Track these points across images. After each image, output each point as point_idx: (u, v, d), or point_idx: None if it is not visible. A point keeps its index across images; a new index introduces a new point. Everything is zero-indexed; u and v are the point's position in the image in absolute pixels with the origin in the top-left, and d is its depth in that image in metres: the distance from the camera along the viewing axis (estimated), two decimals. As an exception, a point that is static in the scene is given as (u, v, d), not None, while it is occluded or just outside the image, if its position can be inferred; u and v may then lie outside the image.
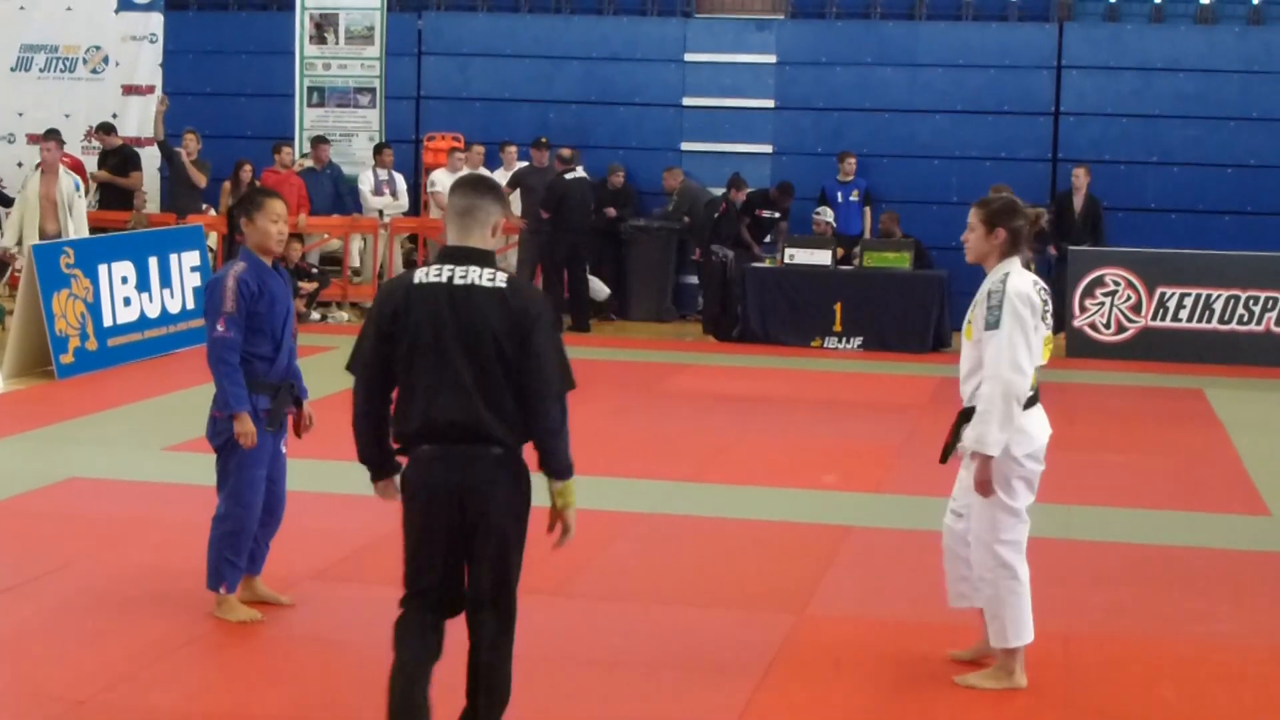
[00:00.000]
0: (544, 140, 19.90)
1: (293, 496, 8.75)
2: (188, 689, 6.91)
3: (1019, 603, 6.91)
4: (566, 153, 19.49)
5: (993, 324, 6.75)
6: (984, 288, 6.93)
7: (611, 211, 19.98)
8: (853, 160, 20.22)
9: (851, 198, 20.16)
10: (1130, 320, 18.17)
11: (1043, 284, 6.97)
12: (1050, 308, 6.93)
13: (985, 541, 6.91)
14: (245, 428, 7.53)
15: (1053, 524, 10.15)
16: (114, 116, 21.05)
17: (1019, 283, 6.79)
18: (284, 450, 7.88)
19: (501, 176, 20.24)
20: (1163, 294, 18.10)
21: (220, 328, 7.44)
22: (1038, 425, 6.93)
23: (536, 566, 8.72)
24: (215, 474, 7.77)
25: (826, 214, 19.54)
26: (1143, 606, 8.50)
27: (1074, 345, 18.27)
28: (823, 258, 18.54)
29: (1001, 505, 6.88)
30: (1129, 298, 18.15)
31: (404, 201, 20.54)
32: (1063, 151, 20.54)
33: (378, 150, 20.60)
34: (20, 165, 20.81)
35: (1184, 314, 18.05)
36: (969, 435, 6.84)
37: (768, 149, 21.23)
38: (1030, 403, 6.85)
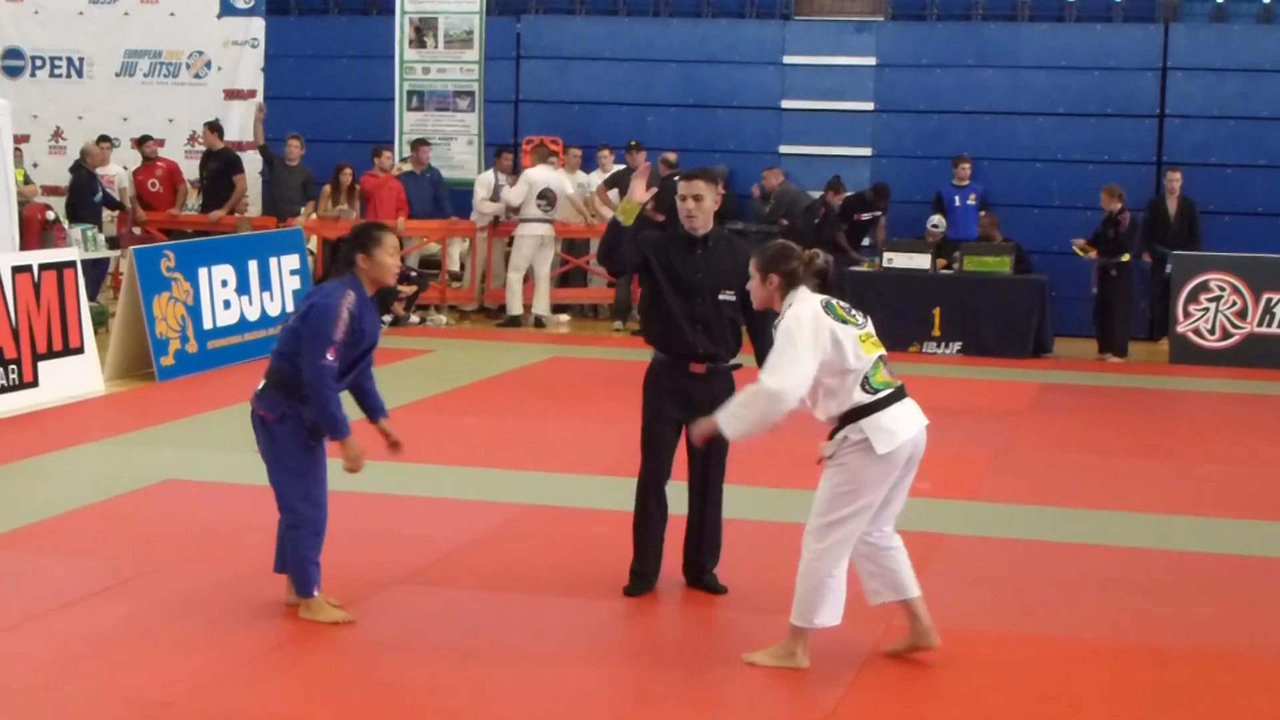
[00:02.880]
0: (635, 144, 19.84)
1: (381, 500, 8.81)
2: (274, 692, 6.94)
3: (828, 590, 7.08)
4: (671, 156, 19.48)
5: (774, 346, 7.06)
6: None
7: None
8: (968, 164, 20.04)
9: (969, 201, 19.97)
10: (1235, 326, 17.92)
11: (835, 299, 7.17)
12: (858, 313, 7.14)
13: (811, 526, 7.09)
14: (353, 451, 7.59)
15: (1147, 534, 10.05)
16: (217, 120, 21.20)
17: (797, 310, 7.02)
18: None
19: (599, 179, 20.28)
20: (1269, 300, 17.84)
21: (330, 356, 7.48)
22: (902, 422, 7.06)
23: (617, 573, 8.75)
24: (272, 488, 7.79)
25: (941, 224, 19.38)
26: (1236, 619, 8.35)
27: (1177, 351, 18.05)
28: (921, 262, 18.42)
29: (844, 494, 7.02)
30: (1234, 303, 17.91)
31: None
32: (1167, 155, 20.28)
33: (497, 154, 20.61)
34: (126, 168, 21.00)
35: (1291, 320, 17.81)
36: (722, 412, 7.16)
37: (867, 152, 21.12)
38: (891, 399, 7.03)
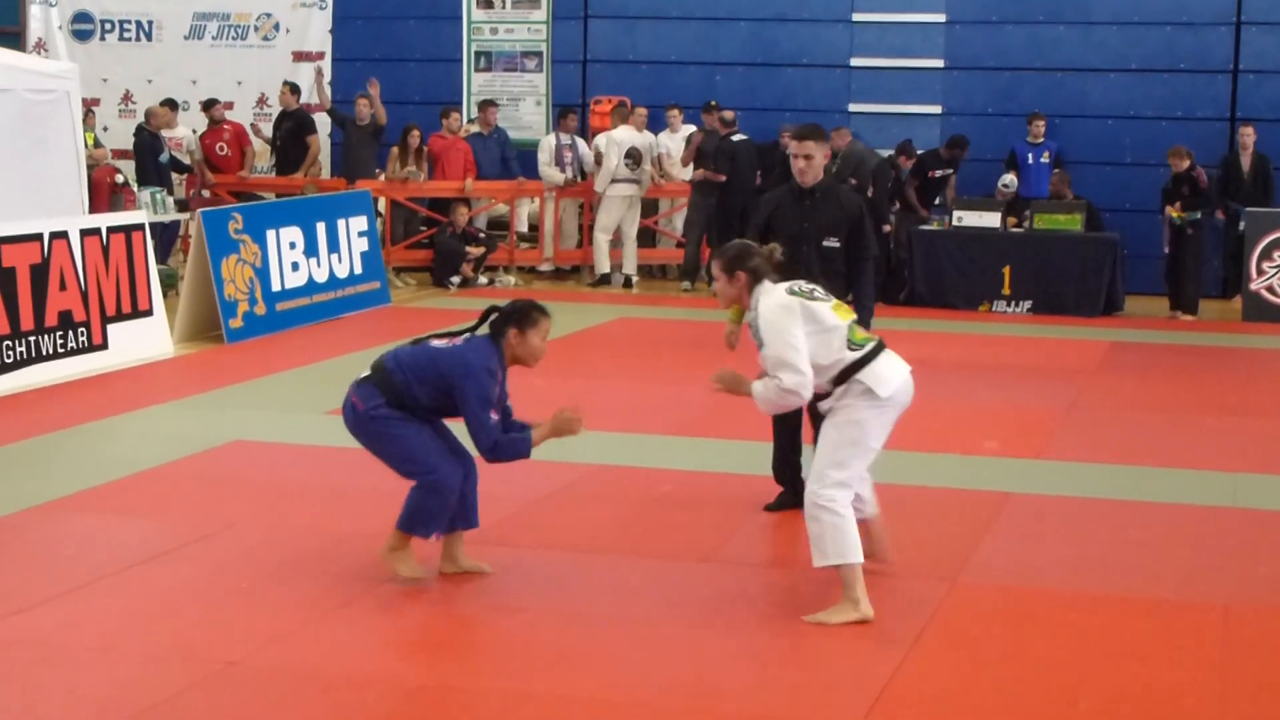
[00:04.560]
0: (714, 104, 19.75)
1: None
2: (338, 651, 6.96)
3: (850, 527, 7.34)
4: (729, 115, 19.38)
5: (761, 344, 7.43)
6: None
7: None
8: (1042, 122, 19.86)
9: (1042, 159, 19.80)
10: (1310, 284, 17.74)
11: (800, 283, 7.59)
12: (820, 290, 7.57)
13: (813, 490, 7.34)
14: (560, 426, 7.77)
15: (1218, 492, 9.95)
16: (285, 83, 21.26)
17: (768, 301, 7.44)
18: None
19: (668, 139, 20.20)
20: (1343, 256, 17.64)
21: (495, 416, 7.58)
22: (894, 368, 7.45)
23: (685, 534, 8.75)
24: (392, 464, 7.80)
25: (1012, 184, 19.21)
26: (1310, 577, 8.27)
27: (1250, 309, 17.88)
28: (991, 220, 18.30)
29: (852, 440, 7.36)
30: (1308, 261, 17.71)
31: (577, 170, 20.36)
32: (1241, 110, 20.03)
33: (562, 115, 20.57)
34: (195, 132, 21.10)
35: (1367, 277, 17.59)
36: (755, 386, 7.50)
37: (937, 110, 20.97)
38: (877, 351, 7.41)
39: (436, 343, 7.75)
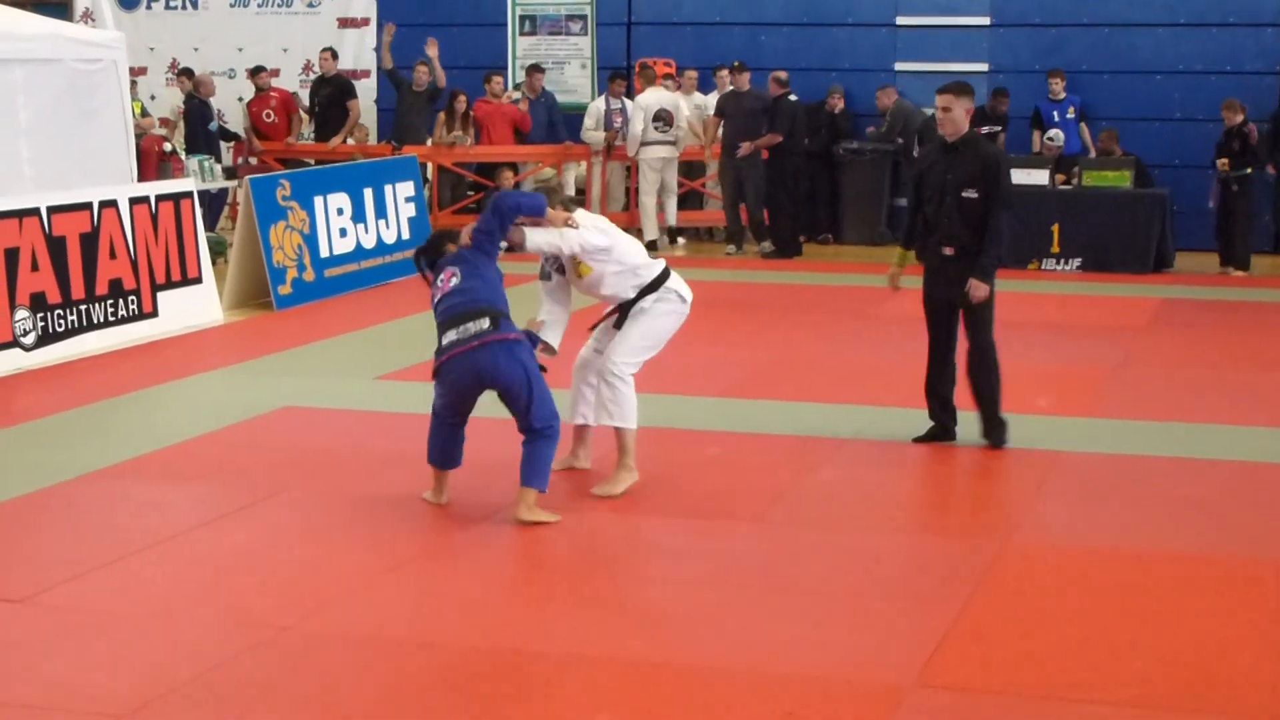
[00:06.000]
0: (739, 64, 19.56)
1: (497, 425, 8.84)
2: (389, 616, 6.99)
3: (630, 400, 8.75)
4: (783, 75, 19.27)
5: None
6: None
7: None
8: (1061, 79, 19.67)
9: (1068, 115, 19.68)
10: (1363, 238, 17.58)
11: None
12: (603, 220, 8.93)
13: (616, 362, 8.71)
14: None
15: (1271, 449, 9.91)
16: (324, 49, 21.26)
17: (581, 220, 8.76)
18: None
19: (715, 101, 20.10)
20: (1396, 210, 17.48)
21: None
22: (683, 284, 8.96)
23: (735, 495, 8.74)
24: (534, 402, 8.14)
25: (1058, 138, 19.09)
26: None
27: (1303, 264, 17.74)
28: (1040, 178, 18.16)
29: (657, 333, 8.87)
30: (1362, 214, 17.56)
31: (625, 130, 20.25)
32: (1291, 64, 19.85)
33: (610, 80, 20.49)
34: (240, 100, 21.14)
35: None
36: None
37: (983, 67, 20.78)
38: (668, 269, 8.94)
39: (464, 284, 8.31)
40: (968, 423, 9.84)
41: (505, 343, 8.09)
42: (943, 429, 9.91)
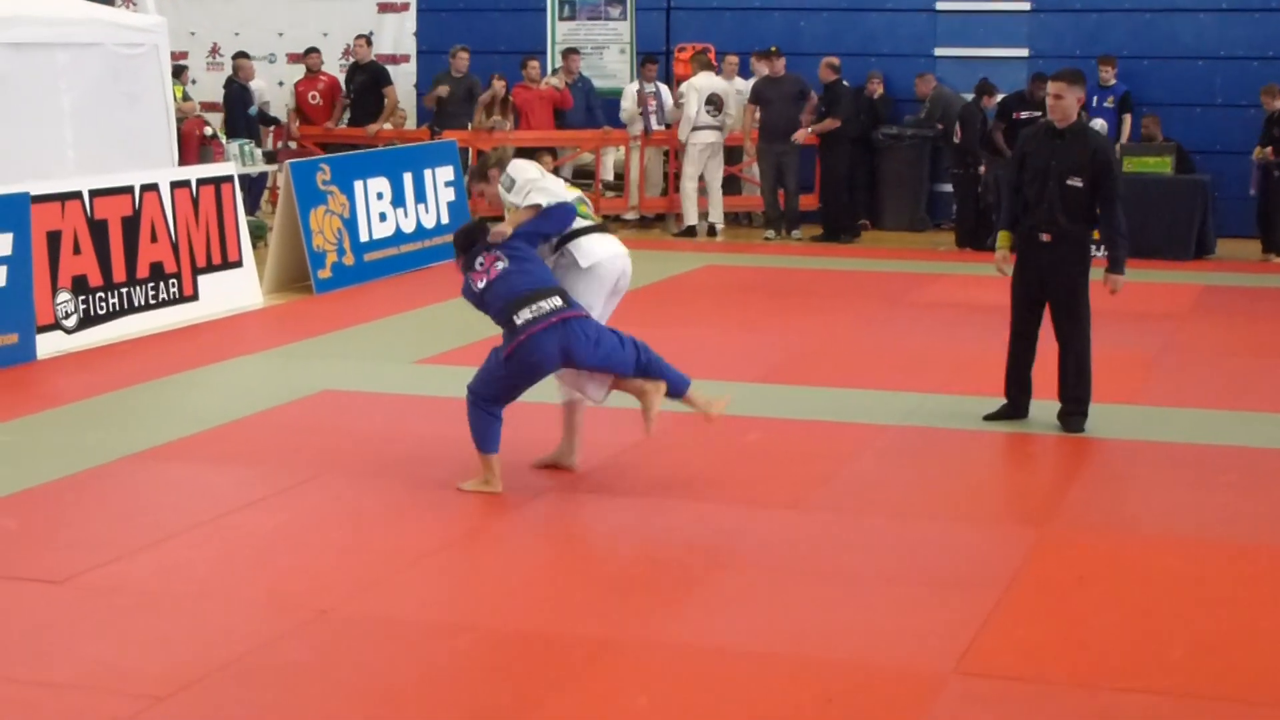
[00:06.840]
0: (775, 49, 19.52)
1: (534, 409, 8.85)
2: (428, 599, 7.01)
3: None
4: (835, 61, 19.21)
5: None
6: None
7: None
8: (1112, 67, 19.54)
9: (1106, 104, 19.55)
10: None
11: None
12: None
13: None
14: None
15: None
16: (370, 34, 21.28)
17: (512, 172, 8.77)
18: None
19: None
20: None
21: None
22: (600, 245, 8.67)
23: (774, 482, 8.74)
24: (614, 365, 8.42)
25: (1098, 125, 18.97)
26: None
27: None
28: (1080, 164, 18.06)
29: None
30: (1402, 200, 17.41)
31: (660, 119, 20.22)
32: (1334, 49, 19.72)
33: (643, 64, 20.45)
34: (281, 85, 21.18)
35: None
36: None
37: (1024, 53, 20.70)
38: (592, 230, 8.69)
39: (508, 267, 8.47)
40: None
41: (580, 319, 8.25)
42: (1014, 407, 10.01)
